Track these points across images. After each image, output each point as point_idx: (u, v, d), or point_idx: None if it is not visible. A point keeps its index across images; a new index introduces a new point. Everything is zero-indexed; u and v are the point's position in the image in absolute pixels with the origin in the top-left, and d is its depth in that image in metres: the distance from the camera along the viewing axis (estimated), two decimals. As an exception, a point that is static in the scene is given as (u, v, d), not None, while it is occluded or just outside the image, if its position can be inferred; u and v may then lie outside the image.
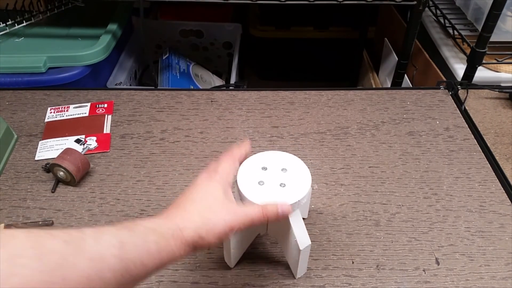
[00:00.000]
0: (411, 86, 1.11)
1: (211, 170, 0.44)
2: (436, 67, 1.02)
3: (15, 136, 0.70)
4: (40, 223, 0.57)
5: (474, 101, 0.81)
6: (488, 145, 0.70)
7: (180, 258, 0.37)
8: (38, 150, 0.68)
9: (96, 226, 0.33)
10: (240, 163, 0.47)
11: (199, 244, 0.38)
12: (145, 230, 0.35)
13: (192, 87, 1.19)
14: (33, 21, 1.00)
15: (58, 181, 0.63)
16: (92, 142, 0.69)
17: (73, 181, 0.61)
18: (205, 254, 0.54)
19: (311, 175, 0.47)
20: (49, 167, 0.62)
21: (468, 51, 0.88)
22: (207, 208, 0.40)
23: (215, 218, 0.39)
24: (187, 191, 0.42)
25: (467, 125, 0.74)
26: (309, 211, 0.59)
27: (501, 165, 0.66)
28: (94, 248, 0.30)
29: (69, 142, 0.69)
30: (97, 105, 0.76)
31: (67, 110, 0.75)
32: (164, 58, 1.21)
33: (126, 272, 0.31)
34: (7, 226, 0.56)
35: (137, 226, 0.35)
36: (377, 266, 0.53)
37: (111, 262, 0.31)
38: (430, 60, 1.04)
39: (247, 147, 0.47)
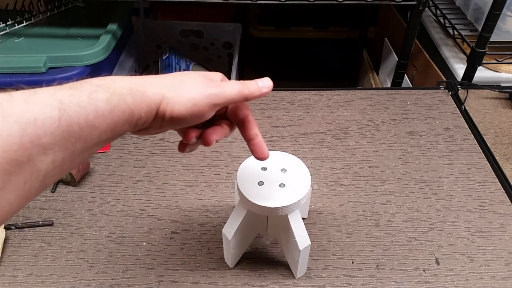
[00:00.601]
0: (411, 86, 1.11)
1: (213, 77, 0.37)
2: (436, 67, 1.02)
3: (15, 136, 0.70)
4: (40, 223, 0.57)
5: (474, 101, 0.81)
6: (488, 145, 0.70)
7: (141, 122, 0.32)
8: (38, 150, 0.68)
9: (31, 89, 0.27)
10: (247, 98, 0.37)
11: (163, 108, 0.32)
12: (93, 87, 0.29)
13: (192, 87, 1.19)
14: (33, 21, 1.00)
15: (58, 181, 0.63)
16: (92, 142, 0.69)
17: (73, 181, 0.61)
18: (205, 254, 0.54)
19: (311, 175, 0.47)
20: (49, 167, 0.62)
21: (468, 51, 0.88)
22: (180, 80, 0.34)
23: (189, 84, 0.34)
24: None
25: (467, 125, 0.74)
26: (309, 211, 0.59)
27: (501, 165, 0.66)
28: (23, 109, 0.25)
29: (69, 142, 0.69)
30: (97, 105, 0.76)
31: (67, 110, 0.75)
32: (164, 58, 1.21)
33: (69, 135, 0.27)
34: (7, 226, 0.56)
35: (84, 84, 0.29)
36: (377, 266, 0.53)
37: (47, 124, 0.26)
38: (430, 60, 1.04)
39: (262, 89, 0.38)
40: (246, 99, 0.37)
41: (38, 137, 0.25)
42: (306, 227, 0.47)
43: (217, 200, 0.61)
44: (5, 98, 0.25)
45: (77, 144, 0.28)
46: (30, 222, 0.57)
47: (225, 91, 0.35)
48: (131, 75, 1.18)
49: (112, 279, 0.51)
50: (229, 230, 0.47)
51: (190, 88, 0.34)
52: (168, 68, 1.19)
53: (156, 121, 0.33)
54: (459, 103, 0.78)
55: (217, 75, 0.38)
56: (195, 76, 0.36)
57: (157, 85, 0.33)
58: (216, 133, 0.38)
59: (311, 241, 0.47)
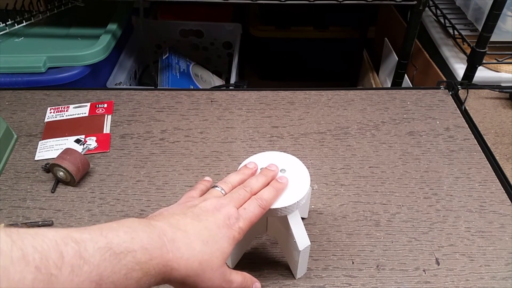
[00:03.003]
0: (411, 86, 1.11)
1: (233, 215, 0.40)
2: (436, 67, 1.02)
3: (15, 136, 0.70)
4: (40, 223, 0.57)
5: (474, 101, 0.81)
6: (488, 145, 0.70)
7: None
8: (38, 150, 0.68)
9: (79, 244, 0.30)
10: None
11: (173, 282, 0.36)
12: (132, 264, 0.32)
13: (192, 87, 1.19)
14: (33, 21, 1.00)
15: (58, 181, 0.62)
16: (92, 142, 0.69)
17: (73, 181, 0.61)
18: (205, 254, 0.54)
19: (311, 175, 0.47)
20: (49, 167, 0.62)
21: (468, 51, 0.88)
22: (207, 259, 0.37)
23: (206, 276, 0.37)
24: (196, 220, 0.39)
25: (467, 125, 0.73)
26: (309, 211, 0.59)
27: (501, 165, 0.66)
28: (67, 281, 0.28)
29: (69, 142, 0.69)
30: (97, 105, 0.76)
31: (67, 110, 0.75)
32: (164, 58, 1.21)
33: None
34: (7, 227, 0.56)
35: (126, 255, 0.32)
36: (377, 266, 0.53)
37: None
38: (430, 60, 1.04)
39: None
40: None
41: None
42: (306, 227, 0.47)
43: (217, 200, 0.61)
44: (54, 262, 0.28)
45: None
46: (30, 222, 0.57)
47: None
48: (130, 76, 1.17)
49: (112, 279, 0.51)
50: (229, 230, 0.47)
51: (207, 280, 0.37)
52: (168, 68, 1.19)
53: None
54: (459, 103, 0.78)
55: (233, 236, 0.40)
56: (220, 261, 0.38)
57: (185, 269, 0.35)
58: None
59: (311, 242, 0.47)
